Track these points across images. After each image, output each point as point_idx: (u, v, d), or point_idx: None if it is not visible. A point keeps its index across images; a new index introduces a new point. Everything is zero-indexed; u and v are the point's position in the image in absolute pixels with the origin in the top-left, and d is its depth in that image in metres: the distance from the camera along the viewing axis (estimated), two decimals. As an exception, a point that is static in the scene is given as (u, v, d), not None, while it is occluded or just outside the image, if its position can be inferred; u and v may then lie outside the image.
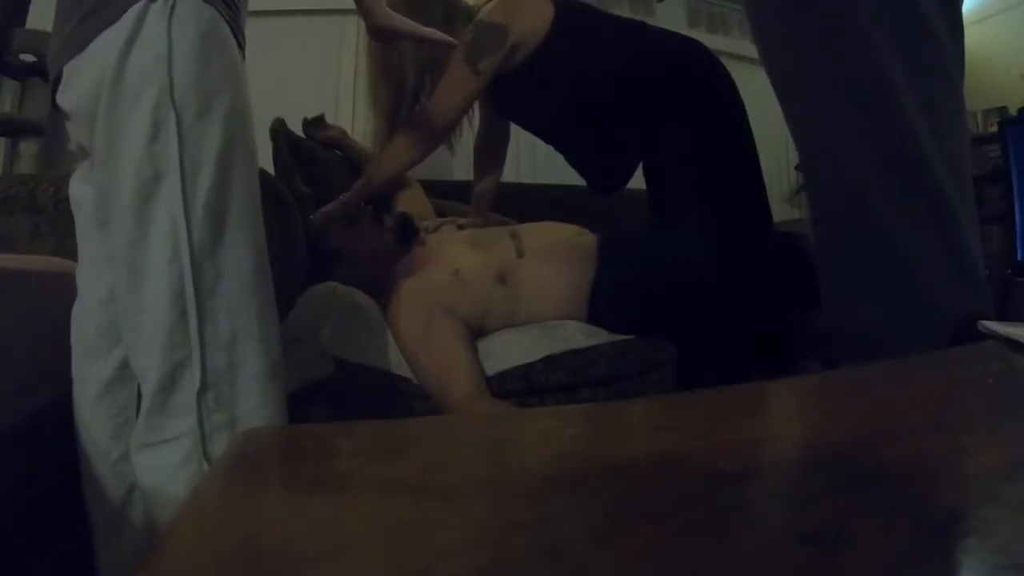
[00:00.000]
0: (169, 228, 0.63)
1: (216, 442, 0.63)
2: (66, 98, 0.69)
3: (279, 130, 1.38)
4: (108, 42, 0.63)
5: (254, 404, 0.65)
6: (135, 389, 0.73)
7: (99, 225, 0.67)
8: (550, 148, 1.41)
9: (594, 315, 1.13)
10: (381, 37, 1.00)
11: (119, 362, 0.73)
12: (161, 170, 0.63)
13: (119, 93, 0.63)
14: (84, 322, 0.76)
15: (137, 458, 0.66)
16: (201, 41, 0.65)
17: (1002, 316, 0.63)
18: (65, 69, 0.67)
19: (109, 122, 0.63)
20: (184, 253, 0.63)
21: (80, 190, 0.76)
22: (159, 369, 0.63)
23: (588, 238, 1.23)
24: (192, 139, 0.63)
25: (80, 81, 0.66)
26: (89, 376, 0.74)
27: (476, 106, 1.37)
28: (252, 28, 0.78)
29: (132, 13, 0.63)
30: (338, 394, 0.97)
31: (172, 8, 0.64)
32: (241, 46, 0.73)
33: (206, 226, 0.64)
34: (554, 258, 1.17)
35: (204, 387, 0.63)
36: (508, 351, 1.05)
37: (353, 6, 0.97)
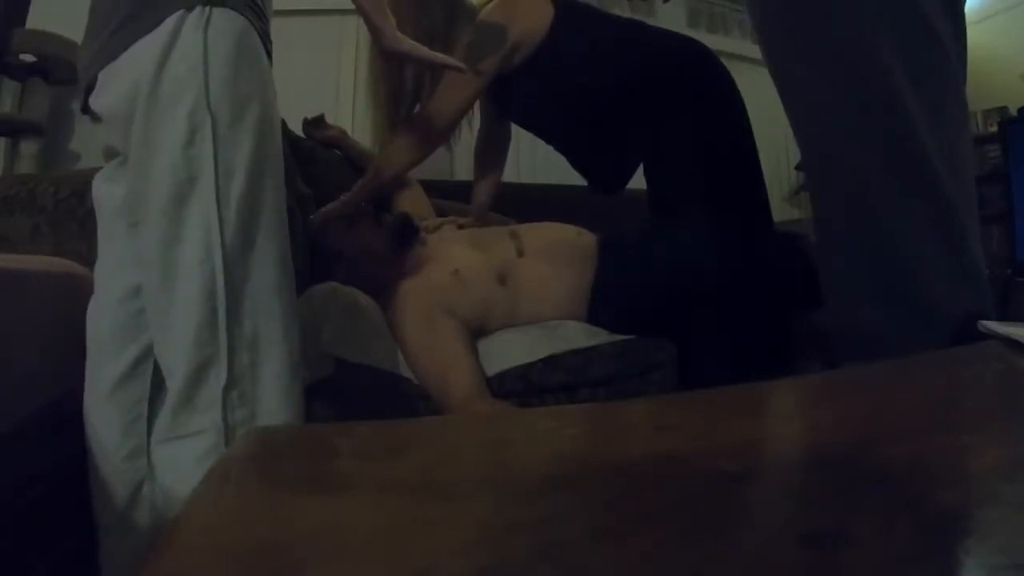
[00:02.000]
0: (203, 229, 0.65)
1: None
2: (100, 102, 0.71)
3: (279, 130, 1.38)
4: (145, 50, 0.66)
5: (274, 402, 0.67)
6: (147, 385, 0.74)
7: (129, 225, 0.69)
8: (550, 148, 1.41)
9: (594, 315, 1.13)
10: (391, 60, 1.01)
11: (134, 359, 0.74)
12: (196, 173, 0.65)
13: (156, 99, 0.65)
14: (100, 319, 0.76)
15: (157, 451, 0.68)
16: (235, 51, 0.68)
17: (1002, 316, 0.63)
18: (100, 75, 0.69)
19: (145, 126, 0.66)
20: (216, 254, 0.65)
21: (105, 190, 0.78)
22: (187, 365, 0.65)
23: (588, 238, 1.22)
24: (226, 144, 0.66)
25: (116, 86, 0.68)
26: (102, 373, 0.75)
27: (476, 106, 1.37)
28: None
29: (169, 23, 0.66)
30: (338, 394, 0.97)
31: (208, 19, 0.67)
32: (269, 54, 0.76)
33: (238, 229, 0.66)
34: (554, 258, 1.17)
35: (230, 384, 0.65)
36: (508, 351, 1.05)
37: (353, 6, 0.97)
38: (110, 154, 0.77)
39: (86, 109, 0.75)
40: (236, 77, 0.67)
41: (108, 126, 0.72)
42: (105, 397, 0.74)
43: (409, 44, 0.99)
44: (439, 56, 1.05)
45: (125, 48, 0.67)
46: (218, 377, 0.65)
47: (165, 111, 0.65)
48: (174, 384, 0.66)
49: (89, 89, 0.72)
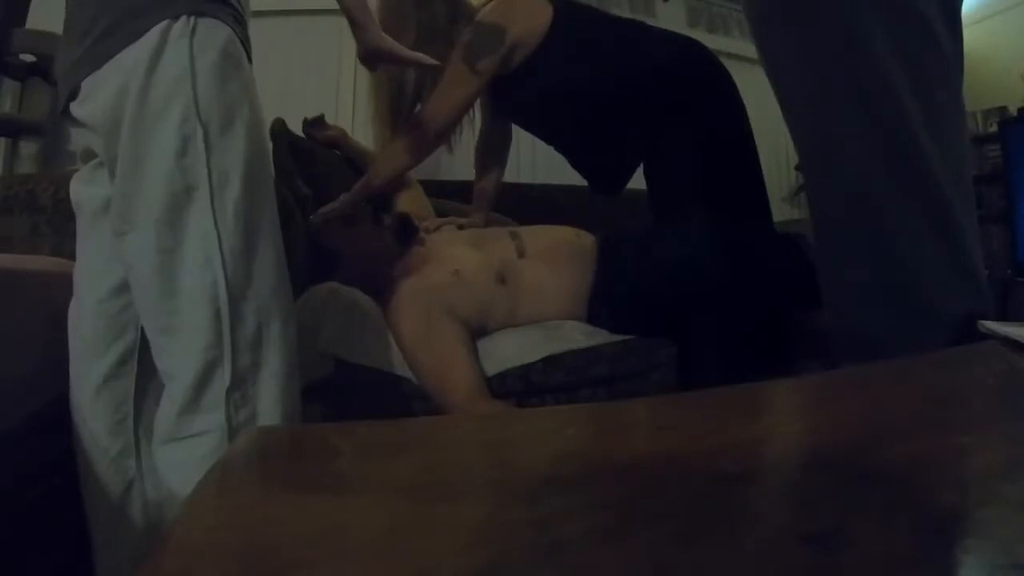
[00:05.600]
0: (202, 236, 0.66)
1: None
2: (84, 109, 0.71)
3: (279, 130, 1.38)
4: (131, 59, 0.66)
5: (272, 402, 0.68)
6: (132, 384, 0.75)
7: (118, 234, 0.69)
8: (550, 148, 1.41)
9: (594, 315, 1.14)
10: (371, 59, 0.99)
11: (118, 358, 0.75)
12: (191, 182, 0.66)
13: (145, 109, 0.65)
14: (82, 320, 0.76)
15: (160, 452, 0.68)
16: (221, 59, 0.68)
17: (1002, 316, 0.63)
18: (84, 83, 0.69)
19: (134, 136, 0.66)
20: (216, 259, 0.66)
21: (84, 193, 0.78)
22: (193, 368, 0.66)
23: (588, 239, 1.23)
24: (218, 152, 0.67)
25: (102, 94, 0.68)
26: (88, 372, 0.75)
27: (477, 106, 1.37)
28: (252, 28, 0.78)
29: (155, 32, 0.66)
30: (338, 394, 0.97)
31: (193, 28, 0.67)
32: (249, 59, 0.76)
33: (236, 234, 0.67)
34: (554, 259, 1.17)
35: (233, 385, 0.66)
36: (508, 351, 1.05)
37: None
38: (87, 156, 0.77)
39: (64, 112, 0.75)
40: (223, 85, 0.68)
41: (92, 133, 0.72)
42: (91, 397, 0.74)
43: (390, 43, 0.97)
44: (418, 55, 1.02)
45: (110, 56, 0.67)
46: (222, 378, 0.66)
47: (154, 122, 0.65)
48: (180, 387, 0.66)
49: (72, 95, 0.72)
